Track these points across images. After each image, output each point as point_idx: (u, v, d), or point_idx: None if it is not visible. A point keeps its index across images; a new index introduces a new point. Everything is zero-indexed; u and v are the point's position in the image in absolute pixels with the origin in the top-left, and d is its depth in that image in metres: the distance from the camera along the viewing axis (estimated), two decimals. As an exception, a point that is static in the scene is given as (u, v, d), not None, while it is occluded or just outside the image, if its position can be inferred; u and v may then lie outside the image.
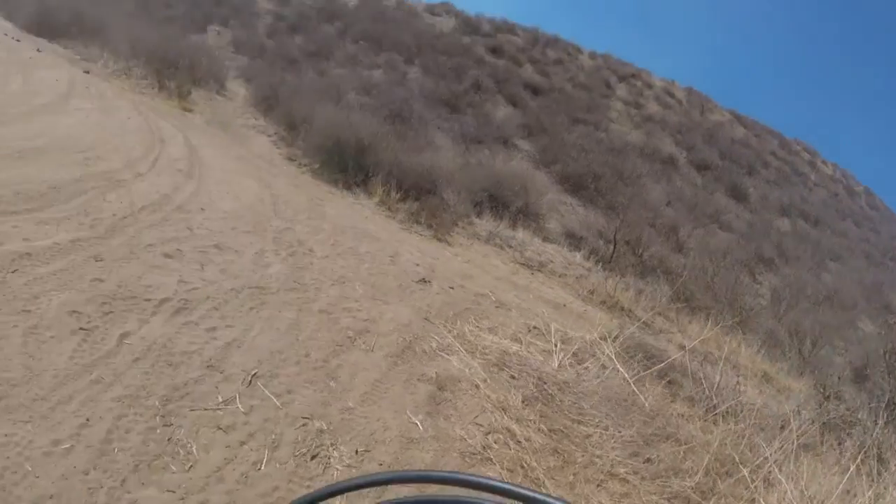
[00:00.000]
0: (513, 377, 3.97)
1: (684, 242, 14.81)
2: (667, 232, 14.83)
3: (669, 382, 4.89)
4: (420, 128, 15.10)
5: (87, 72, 12.76)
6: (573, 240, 11.55)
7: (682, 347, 5.85)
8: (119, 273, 3.58)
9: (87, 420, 2.39)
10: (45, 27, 17.16)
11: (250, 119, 13.24)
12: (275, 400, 2.93)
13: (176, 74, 13.48)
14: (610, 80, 28.46)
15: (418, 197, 9.47)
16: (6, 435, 2.19)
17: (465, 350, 4.18)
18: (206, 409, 2.69)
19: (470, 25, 29.45)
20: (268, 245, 5.03)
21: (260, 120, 13.21)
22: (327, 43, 22.96)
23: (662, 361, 4.84)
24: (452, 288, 5.70)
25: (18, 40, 14.58)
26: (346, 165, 9.59)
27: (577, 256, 9.90)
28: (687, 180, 21.26)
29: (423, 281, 5.51)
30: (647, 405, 4.07)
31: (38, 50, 13.96)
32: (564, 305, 7.00)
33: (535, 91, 23.16)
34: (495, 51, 26.57)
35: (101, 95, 9.98)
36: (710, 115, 30.26)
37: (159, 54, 14.21)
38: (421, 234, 8.39)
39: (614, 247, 10.96)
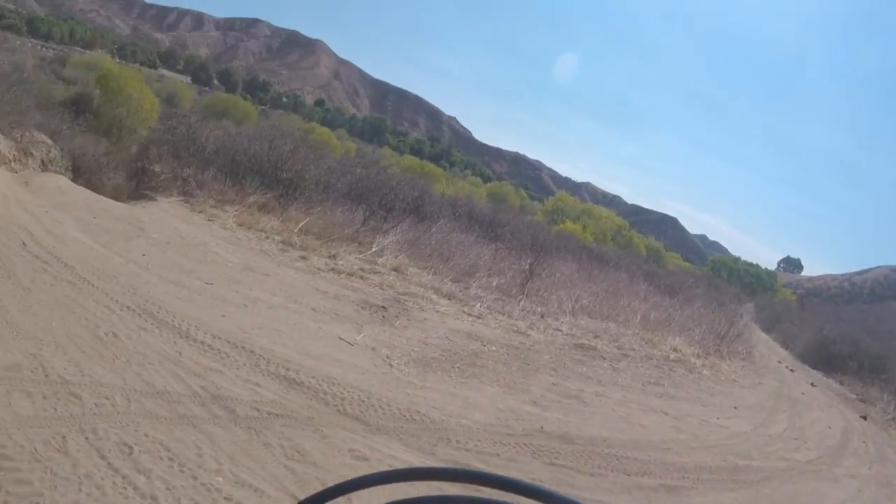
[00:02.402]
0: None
1: None
2: None
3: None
4: None
5: (864, 417, 11.04)
6: None
7: None
8: None
9: None
10: (821, 358, 16.84)
11: None
12: None
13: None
14: None
15: None
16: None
17: None
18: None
19: None
20: None
21: None
22: None
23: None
24: None
25: (793, 370, 14.44)
26: None
27: None
28: None
29: None
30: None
31: (811, 384, 13.03)
32: None
33: None
34: None
35: (879, 457, 7.80)
36: None
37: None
38: None
39: None
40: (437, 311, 6.45)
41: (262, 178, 9.01)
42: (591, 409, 5.02)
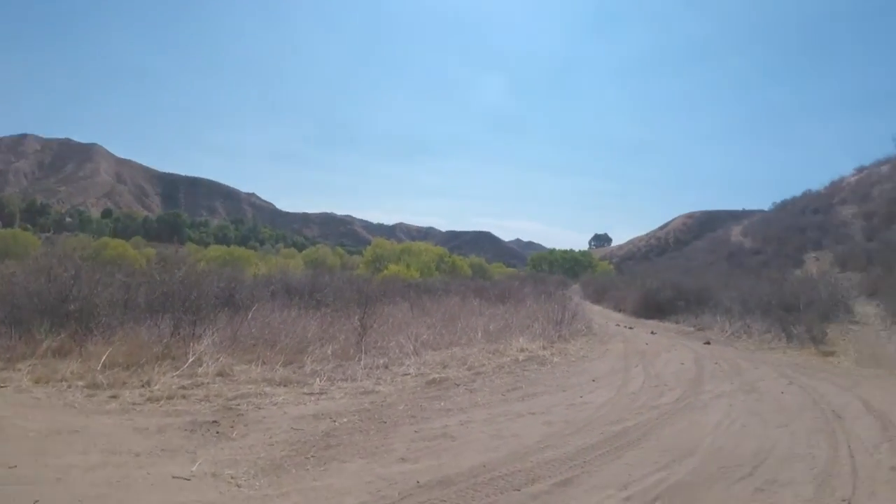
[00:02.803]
0: None
1: None
2: None
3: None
4: None
5: (708, 342, 12.37)
6: None
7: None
8: None
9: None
10: (652, 309, 18.49)
11: (903, 342, 10.62)
12: None
13: (799, 317, 12.28)
14: None
15: None
16: None
17: None
18: None
19: None
20: None
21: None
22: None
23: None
24: None
25: (631, 328, 15.43)
26: None
27: None
28: None
29: None
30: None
31: (651, 332, 14.16)
32: None
33: None
34: None
35: (735, 370, 8.79)
36: None
37: (773, 301, 13.46)
38: None
39: None
40: (275, 404, 5.82)
41: (50, 317, 7.57)
42: (460, 441, 4.82)
